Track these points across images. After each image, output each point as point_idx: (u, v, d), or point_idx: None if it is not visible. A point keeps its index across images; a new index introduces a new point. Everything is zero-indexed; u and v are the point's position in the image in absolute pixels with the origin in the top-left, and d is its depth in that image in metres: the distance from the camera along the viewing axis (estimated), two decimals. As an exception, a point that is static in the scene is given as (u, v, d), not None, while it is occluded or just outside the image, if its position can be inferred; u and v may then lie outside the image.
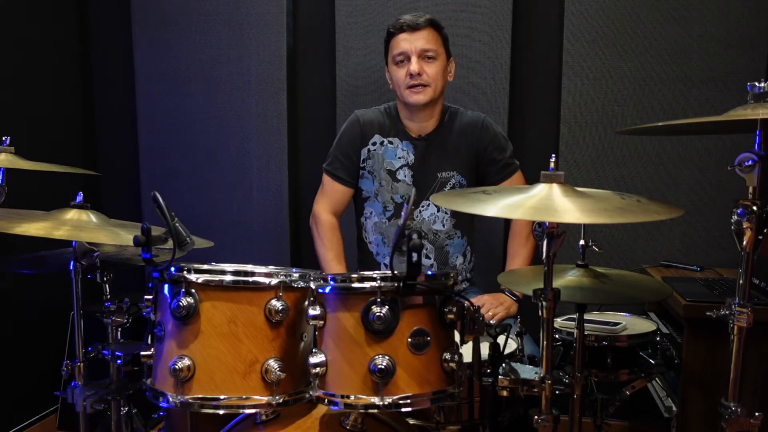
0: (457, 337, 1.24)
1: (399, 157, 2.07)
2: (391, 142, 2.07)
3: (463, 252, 2.12)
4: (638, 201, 1.25)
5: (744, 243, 1.12)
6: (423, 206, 2.07)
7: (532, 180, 1.28)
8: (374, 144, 2.09)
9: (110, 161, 2.86)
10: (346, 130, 2.13)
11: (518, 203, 1.19)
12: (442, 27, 2.01)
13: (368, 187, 2.10)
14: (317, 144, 2.65)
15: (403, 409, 1.17)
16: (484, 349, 1.33)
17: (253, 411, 1.25)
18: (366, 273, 1.17)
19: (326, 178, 2.13)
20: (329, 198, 2.13)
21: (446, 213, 2.07)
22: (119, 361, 1.58)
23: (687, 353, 1.77)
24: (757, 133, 1.11)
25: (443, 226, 2.07)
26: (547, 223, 1.20)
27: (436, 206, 2.06)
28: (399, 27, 1.96)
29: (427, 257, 2.07)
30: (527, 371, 1.34)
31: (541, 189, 1.22)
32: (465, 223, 2.11)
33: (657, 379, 2.02)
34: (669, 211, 1.21)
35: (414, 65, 1.93)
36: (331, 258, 2.08)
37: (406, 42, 1.94)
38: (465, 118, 2.09)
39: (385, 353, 1.14)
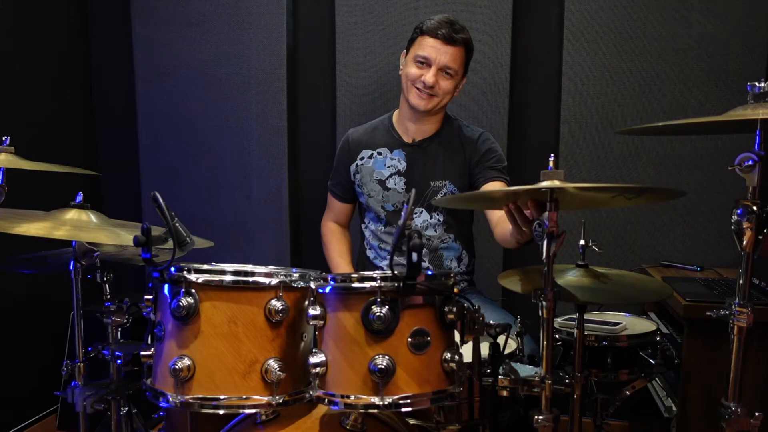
0: (457, 337, 1.24)
1: (388, 166, 2.08)
2: (380, 153, 2.10)
3: (458, 256, 2.11)
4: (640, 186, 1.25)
5: (744, 243, 1.12)
6: (415, 213, 2.06)
7: (532, 181, 1.28)
8: (362, 159, 2.13)
9: (110, 161, 2.86)
10: (338, 149, 2.23)
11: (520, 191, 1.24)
12: (473, 48, 2.00)
13: (362, 199, 2.15)
14: (317, 144, 2.65)
15: (403, 409, 1.17)
16: (484, 349, 1.33)
17: (253, 411, 1.25)
18: (366, 273, 1.17)
19: (329, 195, 2.25)
20: (331, 212, 2.26)
21: (438, 220, 2.07)
22: (119, 361, 1.58)
23: (687, 353, 1.77)
24: (757, 133, 1.11)
25: (435, 231, 2.07)
26: (547, 223, 1.20)
27: (428, 213, 2.07)
28: (434, 32, 1.90)
29: (422, 260, 2.05)
30: (527, 371, 1.34)
31: (542, 184, 1.24)
32: (458, 229, 2.10)
33: (657, 379, 2.02)
34: (669, 194, 1.21)
35: (431, 77, 1.91)
36: (332, 255, 2.20)
37: (433, 50, 1.91)
38: (464, 131, 2.09)
39: (385, 353, 1.14)
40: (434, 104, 1.96)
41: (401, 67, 2.03)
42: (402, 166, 2.08)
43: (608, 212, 2.39)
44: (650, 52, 2.31)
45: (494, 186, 1.99)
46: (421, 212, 2.07)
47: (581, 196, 1.39)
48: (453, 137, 2.08)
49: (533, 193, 1.26)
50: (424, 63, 1.93)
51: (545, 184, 1.23)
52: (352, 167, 2.14)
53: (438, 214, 2.07)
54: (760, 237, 1.12)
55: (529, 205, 1.32)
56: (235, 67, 2.62)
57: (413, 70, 1.95)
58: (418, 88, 1.95)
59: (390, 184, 2.08)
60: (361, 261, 2.21)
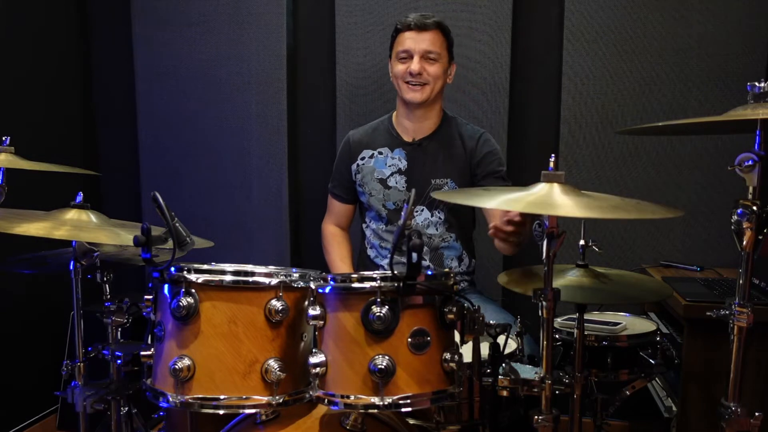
0: (457, 337, 1.24)
1: (389, 165, 2.10)
2: (380, 153, 2.12)
3: (459, 256, 2.12)
4: (638, 203, 1.25)
5: (744, 243, 1.12)
6: (417, 212, 2.07)
7: (532, 181, 1.28)
8: (363, 159, 2.14)
9: (110, 161, 2.86)
10: (339, 151, 2.24)
11: (518, 198, 1.22)
12: (449, 31, 2.04)
13: (364, 198, 2.16)
14: (317, 144, 2.65)
15: (403, 409, 1.17)
16: (484, 349, 1.33)
17: (253, 411, 1.25)
18: (366, 273, 1.17)
19: (329, 197, 2.25)
20: (332, 214, 2.25)
21: (440, 218, 2.08)
22: (119, 361, 1.58)
23: (687, 353, 1.77)
24: (757, 133, 1.11)
25: (437, 230, 2.08)
26: (547, 223, 1.20)
27: (429, 211, 2.07)
28: (407, 25, 1.99)
29: (422, 258, 2.06)
30: (527, 371, 1.34)
31: (541, 188, 1.23)
32: (460, 227, 2.11)
33: (657, 379, 2.02)
34: (665, 212, 1.21)
35: (415, 65, 1.96)
36: (334, 259, 2.18)
37: (411, 41, 1.98)
38: (464, 129, 2.11)
39: (385, 353, 1.14)
40: (428, 93, 1.99)
41: (391, 75, 2.08)
42: (403, 165, 2.08)
43: (608, 212, 2.39)
44: (650, 52, 2.31)
45: None
46: (422, 210, 2.08)
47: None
48: (453, 135, 2.09)
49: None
50: (407, 56, 1.99)
51: (540, 188, 1.23)
52: (353, 167, 2.15)
53: (439, 213, 2.07)
54: (760, 237, 1.11)
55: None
56: (235, 67, 2.62)
57: (399, 67, 2.00)
58: (408, 82, 1.99)
59: (391, 182, 2.08)
60: (361, 260, 2.21)
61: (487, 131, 2.14)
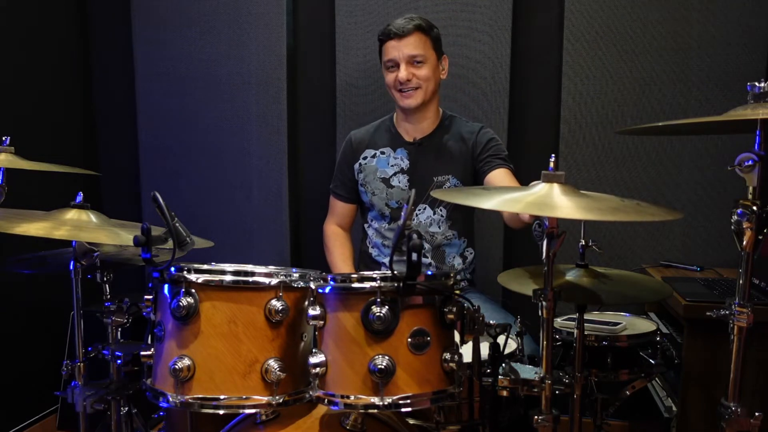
0: (457, 337, 1.24)
1: (392, 165, 2.11)
2: (383, 152, 2.14)
3: (461, 253, 2.13)
4: (638, 204, 1.25)
5: (744, 243, 1.12)
6: (419, 210, 2.09)
7: (532, 181, 1.28)
8: (365, 158, 2.15)
9: (110, 161, 2.86)
10: (341, 151, 2.25)
11: (517, 198, 1.21)
12: (432, 28, 2.02)
13: (365, 198, 2.17)
14: (317, 144, 2.65)
15: (403, 409, 1.17)
16: (484, 349, 1.33)
17: (253, 411, 1.25)
18: (366, 273, 1.17)
19: (331, 197, 2.26)
20: (334, 214, 2.25)
21: (442, 216, 2.09)
22: (119, 361, 1.58)
23: (687, 353, 1.77)
24: (757, 133, 1.11)
25: (439, 227, 2.09)
26: (547, 223, 1.20)
27: (431, 209, 2.08)
28: (387, 34, 2.00)
29: (425, 256, 2.08)
30: (527, 371, 1.34)
31: (541, 188, 1.23)
32: (462, 225, 2.13)
33: (657, 379, 2.02)
34: (665, 214, 1.21)
35: (402, 72, 1.98)
36: (336, 259, 2.19)
37: (394, 49, 1.99)
38: (463, 126, 2.13)
39: (385, 353, 1.14)
40: (421, 96, 2.01)
41: (386, 84, 2.09)
42: (405, 164, 2.10)
43: (608, 212, 2.39)
44: (650, 52, 2.30)
45: (499, 174, 2.00)
46: (425, 209, 2.09)
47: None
48: (453, 132, 2.11)
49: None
50: (393, 65, 2.00)
51: (540, 188, 1.22)
52: (356, 166, 2.16)
53: (441, 210, 2.08)
54: (760, 237, 1.11)
55: None
56: (235, 67, 2.62)
57: (389, 77, 2.03)
58: (399, 90, 2.01)
59: (394, 182, 2.10)
60: (362, 260, 2.22)
61: (485, 125, 2.15)
